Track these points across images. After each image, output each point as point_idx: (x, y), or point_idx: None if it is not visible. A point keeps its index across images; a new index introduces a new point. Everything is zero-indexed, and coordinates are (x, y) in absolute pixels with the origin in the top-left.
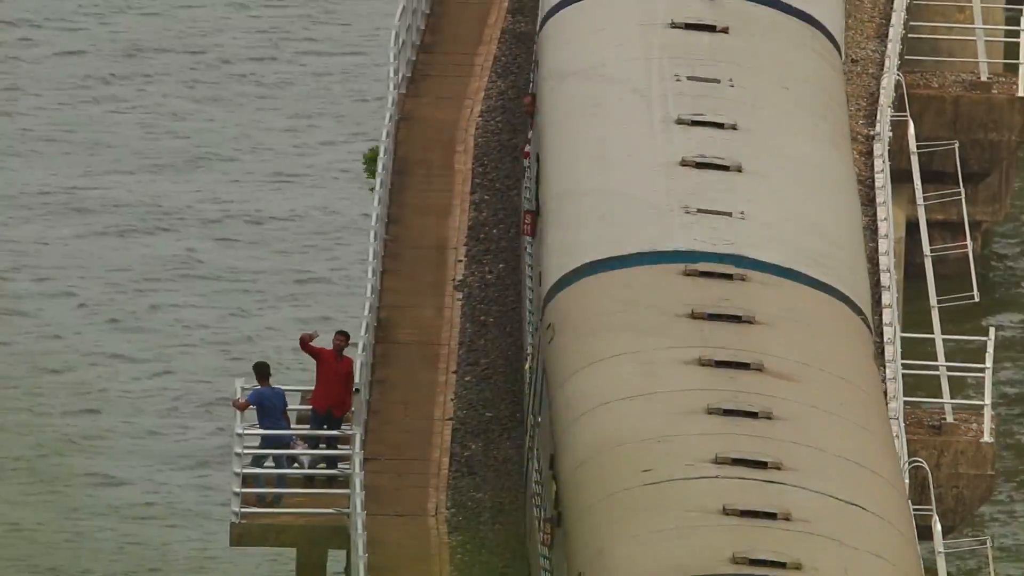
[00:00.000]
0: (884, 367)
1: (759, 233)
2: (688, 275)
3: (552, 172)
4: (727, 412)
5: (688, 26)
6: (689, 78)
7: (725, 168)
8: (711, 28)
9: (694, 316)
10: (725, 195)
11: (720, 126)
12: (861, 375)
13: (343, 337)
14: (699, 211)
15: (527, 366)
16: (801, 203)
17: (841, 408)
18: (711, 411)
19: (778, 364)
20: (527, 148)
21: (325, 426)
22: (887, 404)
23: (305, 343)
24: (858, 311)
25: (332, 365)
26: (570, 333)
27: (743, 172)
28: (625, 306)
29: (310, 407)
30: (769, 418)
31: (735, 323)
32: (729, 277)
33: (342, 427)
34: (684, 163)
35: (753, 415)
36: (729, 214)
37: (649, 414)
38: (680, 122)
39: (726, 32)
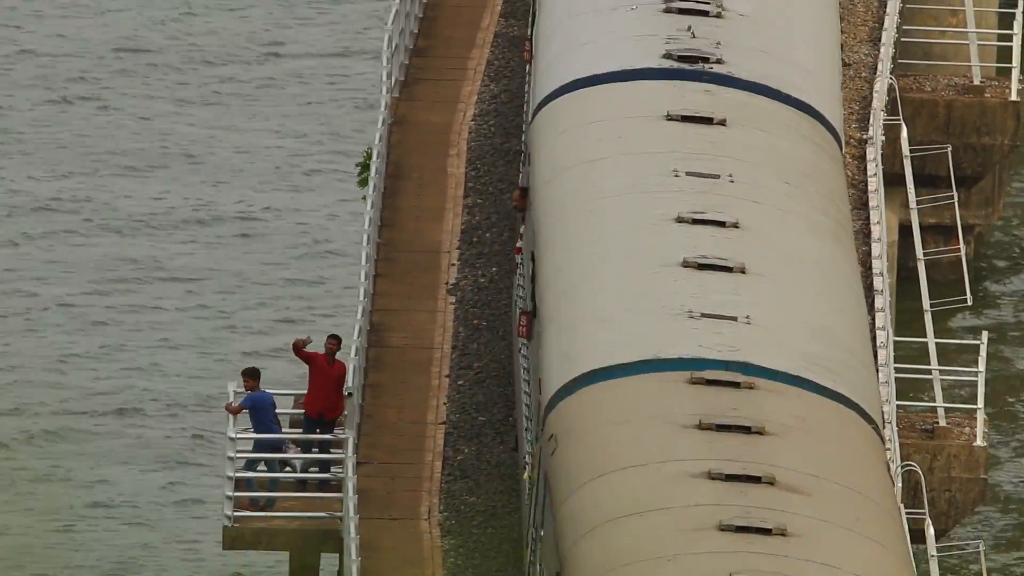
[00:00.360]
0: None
1: (766, 338)
2: (694, 384)
3: (549, 272)
4: (739, 529)
5: (685, 118)
6: (688, 173)
7: (728, 269)
8: (708, 120)
9: (702, 427)
10: (729, 298)
11: (722, 224)
12: (875, 488)
13: (335, 341)
14: (703, 315)
15: (526, 475)
16: (807, 305)
17: (856, 523)
18: (723, 528)
19: (790, 477)
20: (519, 244)
21: (317, 430)
22: (903, 518)
23: (298, 348)
24: (869, 419)
25: (324, 369)
26: (574, 445)
27: (747, 273)
28: (631, 417)
29: (302, 411)
30: (783, 535)
31: (744, 434)
32: (736, 385)
33: (335, 431)
34: (686, 264)
35: (767, 532)
36: (734, 318)
37: (658, 532)
38: (680, 220)
39: (724, 124)
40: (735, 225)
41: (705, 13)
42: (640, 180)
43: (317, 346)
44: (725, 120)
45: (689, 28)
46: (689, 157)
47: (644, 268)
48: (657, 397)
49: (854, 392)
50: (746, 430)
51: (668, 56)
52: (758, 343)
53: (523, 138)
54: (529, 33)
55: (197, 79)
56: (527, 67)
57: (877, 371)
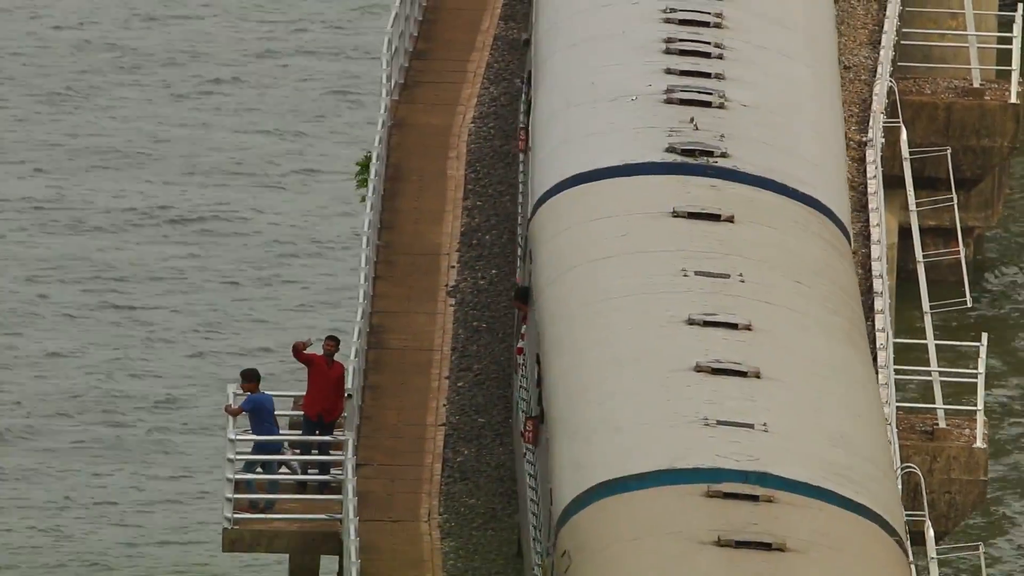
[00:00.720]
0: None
1: (784, 447)
2: (711, 497)
3: (556, 377)
4: None
5: (692, 215)
6: (697, 273)
7: (743, 374)
8: (716, 217)
9: (720, 544)
10: (745, 404)
11: (734, 327)
12: None
13: (333, 343)
14: (719, 423)
15: None
16: (824, 411)
17: None
18: None
19: None
20: (519, 344)
21: (317, 431)
22: None
23: (298, 350)
24: (892, 532)
25: (324, 371)
26: (589, 563)
27: (762, 378)
28: (647, 532)
29: (301, 413)
30: None
31: (765, 551)
32: (755, 499)
33: (334, 433)
34: (699, 368)
35: None
36: (751, 426)
37: None
38: (692, 322)
39: (732, 221)
40: (747, 327)
41: (707, 104)
42: (648, 280)
43: (316, 348)
44: (733, 216)
45: (692, 120)
46: (697, 256)
47: (656, 373)
48: (673, 512)
49: (876, 503)
50: (766, 547)
51: (671, 149)
52: (776, 452)
53: (520, 232)
54: (523, 120)
55: (197, 78)
56: (521, 156)
57: (897, 480)
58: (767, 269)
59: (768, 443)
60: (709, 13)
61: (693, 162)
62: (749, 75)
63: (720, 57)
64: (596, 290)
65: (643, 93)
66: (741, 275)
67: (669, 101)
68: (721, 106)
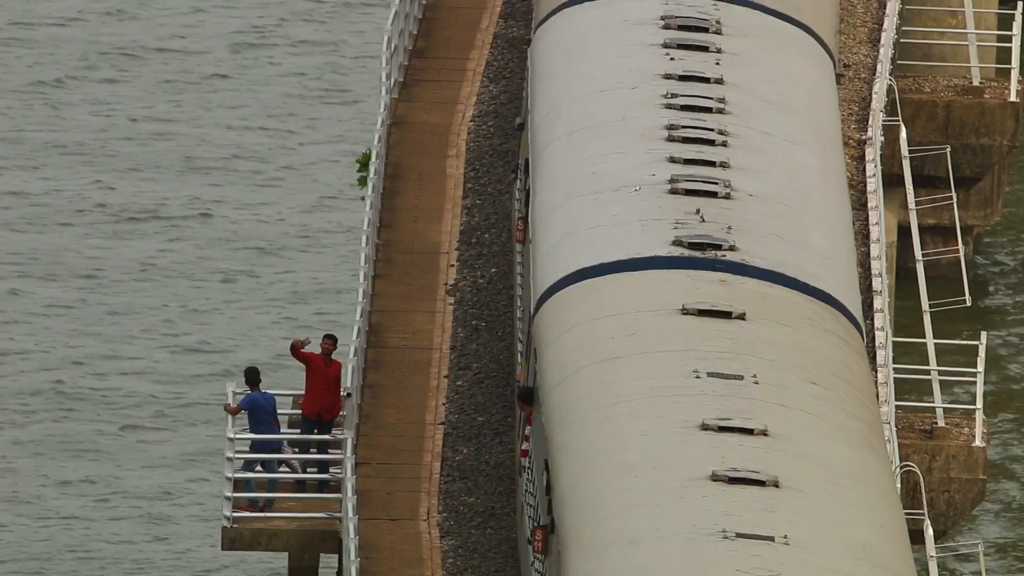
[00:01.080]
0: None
1: (806, 561)
2: None
3: (567, 486)
4: None
5: (702, 312)
6: (710, 374)
7: (761, 483)
8: (727, 314)
9: None
10: (764, 516)
11: (750, 432)
12: None
13: (331, 341)
14: (738, 535)
15: None
16: (846, 523)
17: None
18: None
19: None
20: (524, 447)
21: (315, 430)
22: None
23: (296, 349)
24: None
25: (321, 370)
26: None
27: (780, 488)
28: None
29: (300, 411)
30: None
31: None
32: None
33: (333, 431)
34: (715, 478)
35: None
36: (771, 539)
37: None
38: (705, 428)
39: (743, 319)
40: (764, 432)
41: (713, 194)
42: (659, 382)
43: (313, 347)
44: (744, 314)
45: (698, 211)
46: (709, 356)
47: (671, 482)
48: None
49: None
50: None
51: (678, 243)
52: (798, 566)
53: (521, 329)
54: (519, 210)
55: (195, 77)
56: (519, 247)
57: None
58: (782, 370)
59: (790, 557)
60: (711, 98)
61: (701, 256)
62: (755, 163)
63: (724, 144)
64: (605, 393)
65: (646, 183)
66: (755, 376)
67: (674, 191)
68: (727, 196)
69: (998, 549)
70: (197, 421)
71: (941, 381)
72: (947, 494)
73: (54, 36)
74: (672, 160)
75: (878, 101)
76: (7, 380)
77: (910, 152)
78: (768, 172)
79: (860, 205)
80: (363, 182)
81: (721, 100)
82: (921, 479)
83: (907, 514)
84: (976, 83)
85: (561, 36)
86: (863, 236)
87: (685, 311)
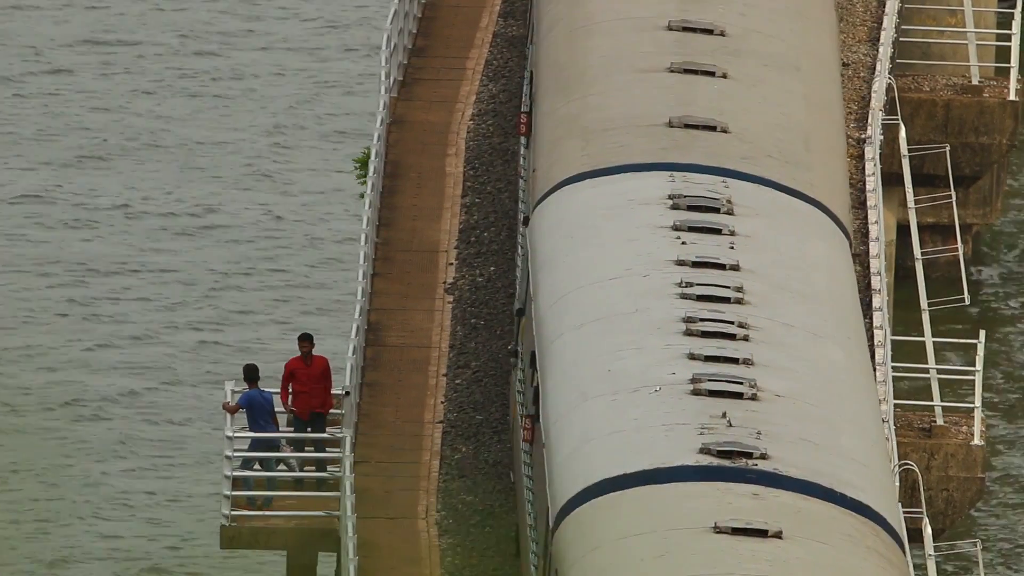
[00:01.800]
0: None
1: None
2: None
3: None
4: None
5: (735, 531)
6: None
7: None
8: (763, 533)
9: None
10: None
11: None
12: None
13: (307, 341)
14: None
15: None
16: None
17: None
18: None
19: None
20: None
21: (309, 429)
22: None
23: (283, 388)
24: None
25: (305, 371)
26: None
27: None
28: None
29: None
30: None
31: None
32: None
33: (331, 430)
34: None
35: None
36: None
37: None
38: None
39: (779, 537)
40: None
41: (739, 395)
42: None
43: (292, 351)
44: (780, 532)
45: (724, 415)
46: None
47: None
48: None
49: None
50: None
51: (706, 451)
52: None
53: (533, 539)
54: (523, 407)
55: (194, 76)
56: (526, 446)
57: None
58: None
59: None
60: (728, 287)
61: (731, 465)
62: (779, 359)
63: (745, 339)
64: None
65: (667, 383)
66: None
67: (696, 392)
68: (754, 397)
69: (996, 548)
70: (196, 419)
71: (940, 379)
72: (946, 492)
73: (52, 29)
74: (692, 357)
75: (877, 100)
76: (5, 379)
77: (909, 151)
78: (794, 370)
79: (859, 204)
80: (362, 181)
81: (739, 289)
82: (920, 478)
83: (906, 513)
84: (975, 82)
85: (563, 216)
86: (862, 235)
87: (718, 530)
